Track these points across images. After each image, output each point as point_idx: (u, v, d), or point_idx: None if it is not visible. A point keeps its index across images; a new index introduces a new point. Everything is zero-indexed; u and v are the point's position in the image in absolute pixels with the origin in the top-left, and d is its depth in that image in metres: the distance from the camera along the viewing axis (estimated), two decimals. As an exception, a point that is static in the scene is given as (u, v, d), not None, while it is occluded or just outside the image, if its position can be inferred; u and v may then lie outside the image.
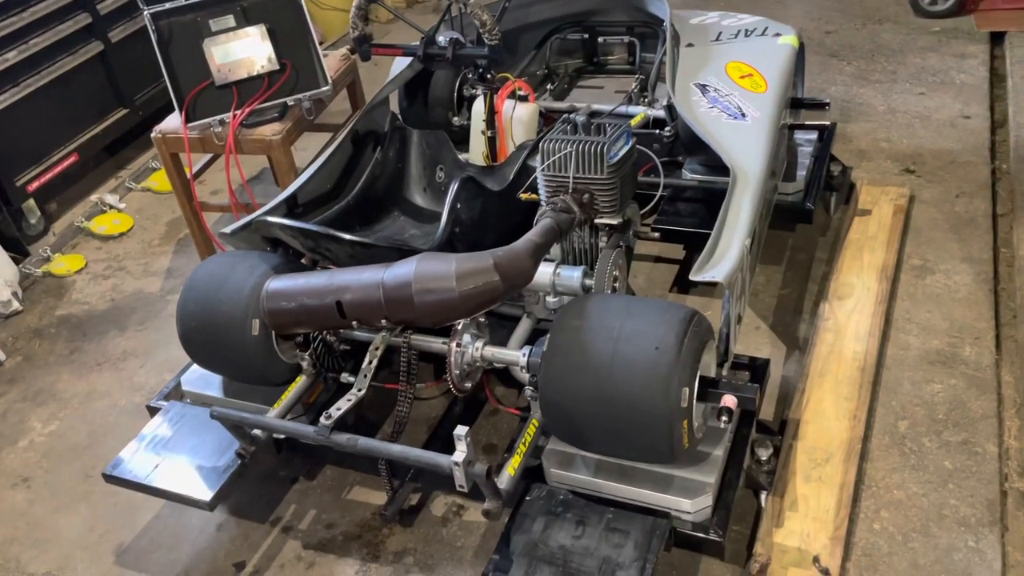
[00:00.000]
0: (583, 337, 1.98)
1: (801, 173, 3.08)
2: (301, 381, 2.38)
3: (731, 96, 2.74)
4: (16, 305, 3.48)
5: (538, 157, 2.38)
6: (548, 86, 3.68)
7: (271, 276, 2.28)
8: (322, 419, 2.05)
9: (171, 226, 3.94)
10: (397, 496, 2.32)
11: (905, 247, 3.13)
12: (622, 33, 3.64)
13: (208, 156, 3.48)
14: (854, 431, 2.39)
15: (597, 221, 2.36)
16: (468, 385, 2.26)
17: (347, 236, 2.32)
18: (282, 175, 3.21)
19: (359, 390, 2.12)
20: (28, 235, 3.90)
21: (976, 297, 2.88)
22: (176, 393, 2.61)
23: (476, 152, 3.08)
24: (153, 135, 3.26)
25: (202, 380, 2.58)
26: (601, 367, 1.93)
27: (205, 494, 2.22)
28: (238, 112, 3.12)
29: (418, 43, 2.79)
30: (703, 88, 2.80)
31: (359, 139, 3.03)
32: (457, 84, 3.39)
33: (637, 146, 2.45)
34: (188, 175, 3.28)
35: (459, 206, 2.52)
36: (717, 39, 3.05)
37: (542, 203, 2.41)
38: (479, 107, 3.01)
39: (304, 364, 2.36)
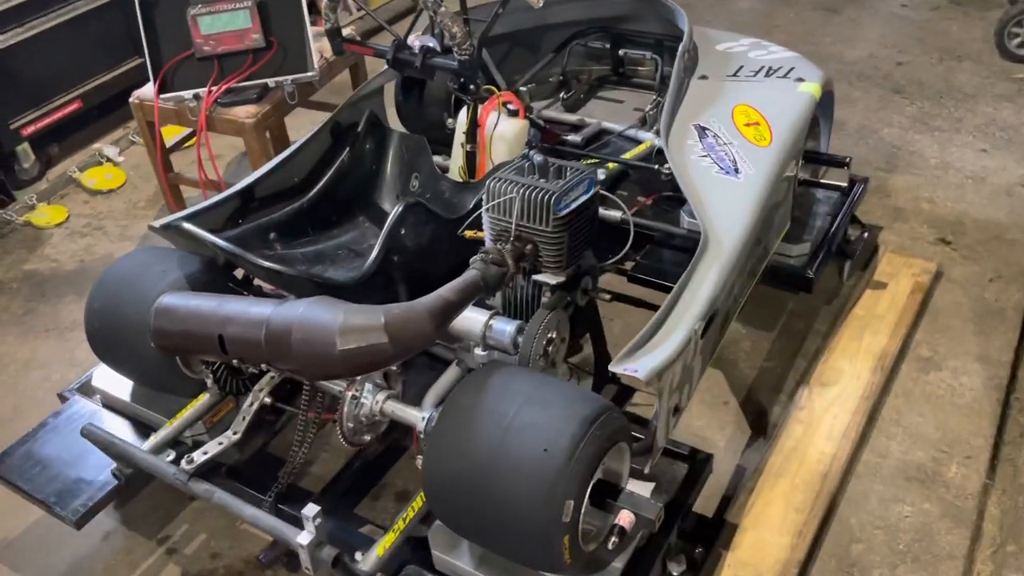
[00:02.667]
0: (474, 419, 1.76)
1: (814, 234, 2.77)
2: (203, 399, 2.22)
3: (729, 146, 2.43)
4: (-14, 253, 3.42)
5: (483, 195, 2.14)
6: (562, 94, 3.39)
7: (169, 290, 2.12)
8: (183, 462, 1.88)
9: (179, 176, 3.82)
10: (277, 544, 2.15)
11: (915, 333, 2.79)
12: (648, 47, 3.32)
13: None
14: (794, 552, 2.10)
15: (535, 278, 2.11)
16: (365, 438, 2.07)
17: (254, 259, 2.12)
18: (254, 160, 3.03)
19: (234, 433, 1.94)
20: (20, 179, 3.84)
21: (981, 406, 2.53)
22: (90, 386, 2.49)
23: (455, 165, 2.85)
24: (131, 100, 3.11)
25: (115, 377, 2.44)
26: (485, 459, 1.70)
27: (74, 512, 2.08)
28: (214, 88, 2.94)
29: (390, 45, 2.55)
30: (702, 131, 2.49)
31: (339, 132, 2.82)
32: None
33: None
34: (157, 147, 3.13)
35: (403, 232, 2.30)
36: (735, 74, 2.73)
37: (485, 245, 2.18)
38: (462, 117, 2.77)
39: (208, 382, 2.19)
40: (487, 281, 1.99)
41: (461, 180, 2.79)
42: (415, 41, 2.55)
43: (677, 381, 1.99)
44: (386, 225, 2.26)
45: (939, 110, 4.01)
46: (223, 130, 3.00)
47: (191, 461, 1.88)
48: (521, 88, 3.18)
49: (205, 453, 1.89)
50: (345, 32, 3.18)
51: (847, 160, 2.63)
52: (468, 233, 2.29)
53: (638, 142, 2.97)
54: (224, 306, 1.92)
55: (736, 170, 2.36)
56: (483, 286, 1.98)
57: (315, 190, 2.67)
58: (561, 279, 2.10)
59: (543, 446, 1.67)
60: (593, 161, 2.82)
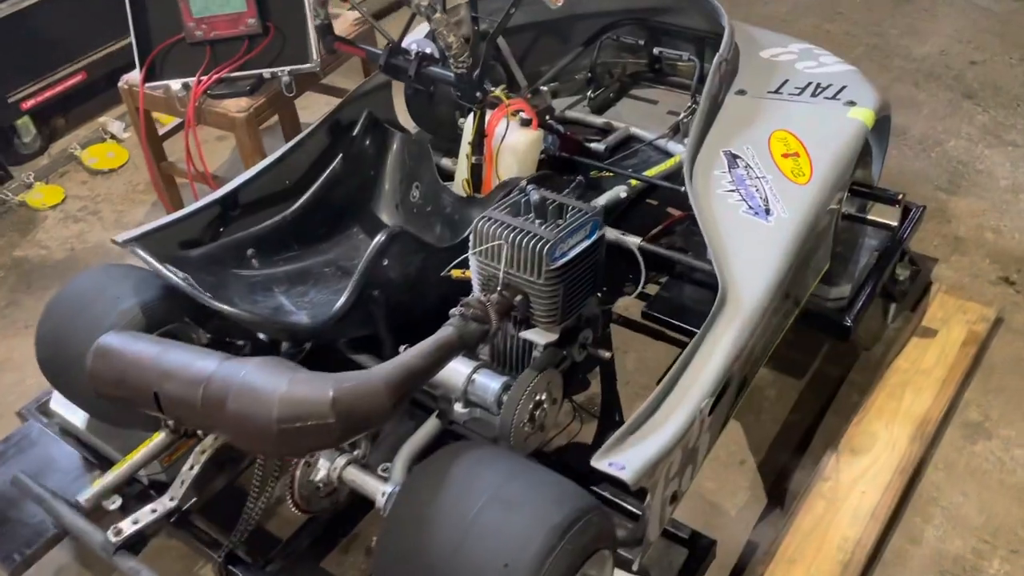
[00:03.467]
0: (431, 514, 1.52)
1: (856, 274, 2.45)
2: (158, 438, 2.02)
3: (762, 180, 2.12)
4: (-23, 236, 3.27)
5: (471, 236, 1.88)
6: (589, 93, 3.08)
7: (121, 320, 1.91)
8: (110, 533, 1.68)
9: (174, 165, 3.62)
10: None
11: (965, 392, 2.47)
12: (686, 44, 2.99)
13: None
14: (802, 660, 1.85)
15: (523, 335, 1.85)
16: (324, 505, 1.85)
17: (204, 298, 1.88)
18: (246, 159, 2.80)
19: (171, 499, 1.74)
20: (20, 153, 3.67)
21: (1034, 488, 2.23)
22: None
23: (459, 177, 2.58)
24: (120, 85, 2.89)
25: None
26: (438, 567, 1.47)
27: (8, 560, 1.91)
28: (204, 78, 2.70)
29: (383, 48, 2.27)
30: (732, 159, 2.19)
31: (339, 131, 2.58)
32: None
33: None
34: (143, 137, 2.91)
35: (386, 263, 2.06)
36: (777, 91, 2.39)
37: (474, 288, 1.93)
38: (468, 124, 2.49)
39: (163, 421, 1.99)
40: (465, 340, 1.73)
41: (465, 195, 2.52)
42: (412, 44, 2.27)
43: (676, 469, 1.73)
44: (364, 257, 2.01)
45: (1015, 120, 3.60)
46: (214, 123, 2.77)
47: (119, 532, 1.67)
48: (542, 88, 2.89)
49: (136, 523, 1.69)
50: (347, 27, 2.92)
51: (899, 197, 2.29)
52: (455, 274, 2.03)
53: (669, 153, 2.68)
54: (165, 356, 1.70)
55: (767, 211, 2.05)
56: (459, 346, 1.72)
57: (302, 199, 2.43)
58: (553, 337, 1.84)
59: (504, 560, 1.43)
60: (610, 175, 2.54)
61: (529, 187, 1.88)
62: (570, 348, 1.94)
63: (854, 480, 2.19)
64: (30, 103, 3.56)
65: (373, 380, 1.55)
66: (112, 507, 1.94)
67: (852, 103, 2.27)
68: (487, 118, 2.43)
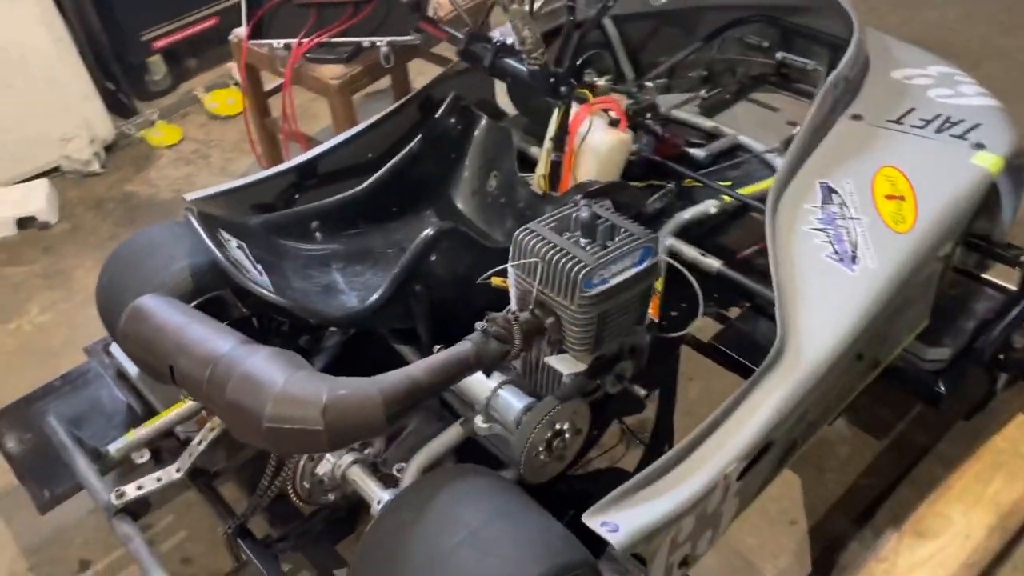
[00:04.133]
0: (409, 539, 1.45)
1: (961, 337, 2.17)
2: (184, 406, 2.03)
3: (855, 221, 1.89)
4: (96, 166, 3.42)
5: (511, 248, 1.76)
6: (703, 92, 2.86)
7: (170, 281, 1.93)
8: (113, 495, 1.70)
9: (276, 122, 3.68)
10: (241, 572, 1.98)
11: (1069, 485, 2.16)
12: (819, 49, 2.71)
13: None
14: None
15: (548, 360, 1.73)
16: (328, 498, 1.82)
17: (240, 279, 1.85)
18: (337, 125, 2.78)
19: (177, 471, 1.74)
20: (151, 91, 3.82)
21: None
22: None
23: (539, 172, 2.45)
24: (231, 38, 2.93)
25: (130, 347, 2.32)
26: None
27: (40, 495, 1.99)
28: (305, 40, 2.69)
29: (464, 32, 2.16)
30: (828, 193, 1.96)
31: (429, 107, 2.51)
32: (578, 63, 2.72)
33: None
34: (245, 92, 2.94)
35: (433, 259, 1.98)
36: (899, 120, 2.12)
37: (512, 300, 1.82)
38: (553, 118, 2.35)
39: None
40: (482, 359, 1.62)
41: (541, 192, 2.40)
42: (496, 32, 2.15)
43: (687, 534, 1.58)
44: (409, 251, 1.94)
45: None
46: (310, 87, 2.76)
47: (121, 495, 1.70)
48: (647, 83, 2.71)
49: (140, 488, 1.71)
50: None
51: (1019, 260, 2.00)
52: (496, 281, 1.93)
53: (775, 170, 2.45)
54: (186, 329, 1.69)
55: (854, 259, 1.83)
56: (475, 365, 1.62)
57: (375, 176, 2.38)
58: (579, 368, 1.71)
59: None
60: (699, 185, 2.35)
61: (583, 201, 1.74)
62: (604, 377, 1.81)
63: (913, 566, 1.96)
64: (162, 43, 3.69)
65: (370, 391, 1.48)
66: (140, 460, 1.99)
67: (980, 146, 1.98)
68: (572, 113, 2.30)
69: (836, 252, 1.84)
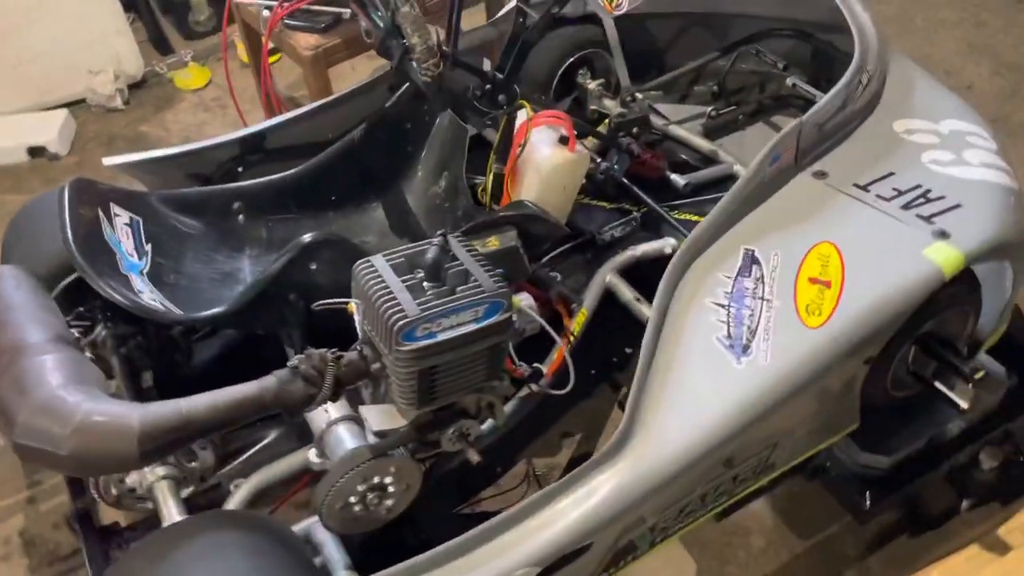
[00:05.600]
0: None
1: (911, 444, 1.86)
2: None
3: (766, 304, 1.62)
4: (119, 102, 3.45)
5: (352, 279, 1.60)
6: (710, 111, 2.54)
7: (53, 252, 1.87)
8: None
9: (300, 78, 3.60)
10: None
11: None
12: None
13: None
14: None
15: (361, 409, 1.57)
16: (148, 506, 1.74)
17: (88, 271, 1.72)
18: (312, 97, 2.66)
19: None
20: (193, 31, 3.81)
21: None
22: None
23: (482, 184, 2.25)
24: (232, -8, 2.85)
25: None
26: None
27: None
28: (285, 4, 2.57)
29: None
30: (750, 262, 1.69)
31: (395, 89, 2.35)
32: (564, 66, 2.50)
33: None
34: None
35: (313, 267, 1.84)
36: (866, 187, 1.78)
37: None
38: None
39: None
40: (282, 401, 1.46)
41: (483, 204, 2.21)
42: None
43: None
44: (278, 259, 1.81)
45: None
46: (288, 54, 2.65)
47: None
48: (638, 94, 2.44)
49: None
50: None
51: (972, 376, 1.66)
52: (350, 308, 1.75)
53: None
54: (10, 311, 1.64)
55: (745, 349, 1.57)
56: (271, 405, 1.47)
57: (314, 160, 2.24)
58: (395, 425, 1.54)
59: None
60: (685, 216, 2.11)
61: (439, 236, 1.54)
62: (440, 434, 1.63)
63: None
64: (205, -17, 3.67)
65: (127, 421, 1.37)
66: None
67: (944, 235, 1.63)
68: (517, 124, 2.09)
69: (729, 336, 1.58)
